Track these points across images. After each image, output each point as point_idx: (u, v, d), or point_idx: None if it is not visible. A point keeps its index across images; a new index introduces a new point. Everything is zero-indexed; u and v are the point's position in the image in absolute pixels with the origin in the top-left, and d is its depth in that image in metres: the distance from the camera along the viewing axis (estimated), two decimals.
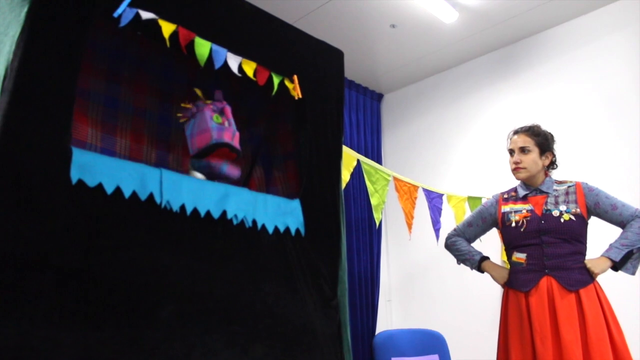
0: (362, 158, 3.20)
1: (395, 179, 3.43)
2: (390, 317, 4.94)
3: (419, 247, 4.67)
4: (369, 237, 4.60)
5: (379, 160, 5.02)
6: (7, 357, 1.19)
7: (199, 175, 1.74)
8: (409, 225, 3.48)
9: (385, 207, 4.68)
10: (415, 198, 3.54)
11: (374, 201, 3.24)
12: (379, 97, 5.33)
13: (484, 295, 4.07)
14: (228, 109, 1.82)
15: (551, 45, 4.21)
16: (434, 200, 3.74)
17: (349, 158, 3.04)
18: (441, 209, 3.76)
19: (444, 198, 3.87)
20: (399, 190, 3.45)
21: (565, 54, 4.12)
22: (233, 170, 1.80)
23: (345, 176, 2.98)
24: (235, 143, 1.80)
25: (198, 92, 1.84)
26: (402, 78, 5.06)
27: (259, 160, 2.33)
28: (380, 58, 4.69)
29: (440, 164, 4.82)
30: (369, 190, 3.23)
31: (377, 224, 3.37)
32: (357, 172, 3.42)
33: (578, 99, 3.98)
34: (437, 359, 3.34)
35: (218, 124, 1.76)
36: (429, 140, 4.95)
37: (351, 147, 4.62)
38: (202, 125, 1.76)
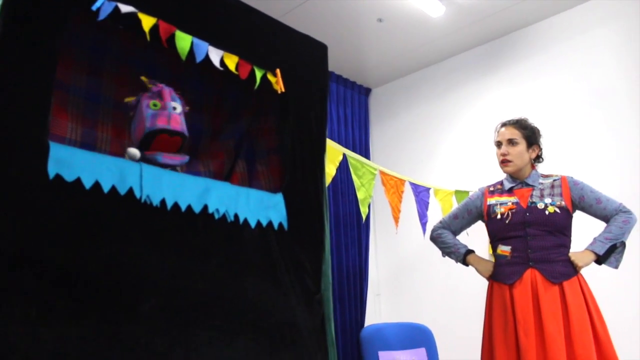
0: (348, 152, 3.20)
1: (381, 172, 3.44)
2: (379, 311, 4.95)
3: (408, 241, 4.68)
4: (357, 231, 4.60)
5: (367, 154, 5.01)
6: None
7: (134, 152, 1.67)
8: (396, 219, 3.49)
9: (374, 202, 4.70)
10: (402, 192, 3.55)
11: (360, 195, 3.24)
12: (367, 91, 5.32)
13: (473, 289, 4.08)
14: (166, 91, 1.75)
15: (538, 39, 4.22)
16: (421, 194, 3.74)
17: (335, 152, 3.03)
18: (428, 203, 3.77)
19: (431, 192, 3.87)
20: (385, 184, 3.46)
21: (553, 47, 4.13)
22: (170, 158, 1.71)
23: (331, 170, 2.98)
24: (174, 125, 1.70)
25: (144, 79, 1.80)
26: (390, 72, 5.06)
27: (242, 154, 2.32)
28: (367, 52, 4.68)
29: (428, 158, 4.82)
30: (355, 184, 3.23)
31: (364, 218, 3.37)
32: (344, 166, 3.42)
33: (565, 92, 3.99)
34: (424, 353, 3.35)
35: (154, 111, 1.70)
36: (418, 134, 4.95)
37: (339, 142, 4.61)
38: (139, 117, 1.72)
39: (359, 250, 4.61)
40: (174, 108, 1.74)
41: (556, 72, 4.07)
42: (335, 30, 4.22)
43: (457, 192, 3.98)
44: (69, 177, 1.37)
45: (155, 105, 1.71)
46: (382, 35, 4.37)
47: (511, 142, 2.57)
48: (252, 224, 1.77)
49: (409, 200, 3.79)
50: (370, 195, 3.30)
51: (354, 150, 4.78)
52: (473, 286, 3.97)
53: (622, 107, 3.69)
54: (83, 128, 1.91)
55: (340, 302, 4.31)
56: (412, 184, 3.72)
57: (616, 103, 3.73)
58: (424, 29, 4.29)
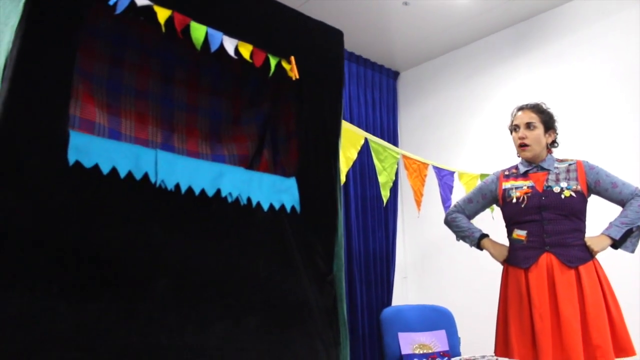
0: (370, 136, 3.24)
1: (404, 156, 3.47)
2: (406, 294, 4.99)
3: (435, 224, 4.66)
4: (384, 214, 4.65)
5: (394, 138, 5.04)
6: (10, 324, 1.29)
7: None
8: (418, 203, 3.52)
9: (401, 185, 4.74)
10: (425, 176, 3.57)
11: (382, 179, 3.28)
12: (395, 74, 5.32)
13: (498, 273, 4.08)
14: None
15: (566, 21, 4.15)
16: (445, 178, 3.76)
17: (356, 137, 3.08)
18: (452, 187, 3.78)
19: (456, 175, 3.88)
20: (408, 168, 3.49)
21: (580, 29, 4.06)
22: None
23: (352, 154, 3.03)
24: None
25: None
26: (418, 55, 5.05)
27: (266, 142, 2.38)
28: (394, 36, 4.68)
29: (456, 141, 4.81)
30: (377, 168, 3.27)
31: (385, 201, 3.41)
32: (370, 150, 3.46)
33: (593, 74, 3.93)
34: (444, 335, 3.39)
35: None
36: (446, 117, 4.94)
37: (366, 126, 4.65)
38: None
39: (386, 234, 4.66)
40: None
41: (583, 55, 4.01)
42: (362, 14, 4.24)
43: (483, 176, 3.97)
44: (88, 163, 1.46)
45: None
46: (408, 19, 4.37)
47: (529, 126, 2.56)
48: (265, 207, 1.83)
49: (435, 184, 3.81)
50: (392, 179, 3.34)
51: (381, 133, 4.81)
52: (500, 269, 3.97)
53: None
54: (108, 115, 2.01)
55: (366, 285, 4.38)
56: (435, 167, 3.74)
57: None
58: (450, 12, 4.27)
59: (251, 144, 2.44)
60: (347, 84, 4.64)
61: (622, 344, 2.28)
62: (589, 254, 2.39)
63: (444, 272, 4.71)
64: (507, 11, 4.28)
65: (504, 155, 4.14)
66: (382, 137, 4.63)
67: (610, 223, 2.46)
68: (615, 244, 2.43)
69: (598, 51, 3.93)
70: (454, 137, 4.82)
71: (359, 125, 4.34)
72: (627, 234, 2.41)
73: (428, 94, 5.11)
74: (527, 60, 4.36)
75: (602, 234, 2.44)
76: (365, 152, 3.54)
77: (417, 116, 5.17)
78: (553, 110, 2.63)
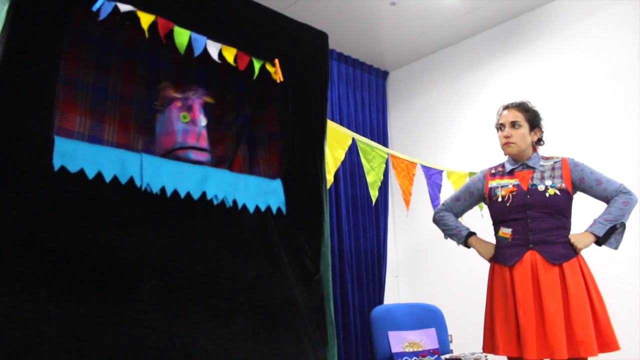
0: (358, 136, 3.26)
1: (391, 156, 3.49)
2: (398, 293, 5.02)
3: (426, 223, 4.70)
4: (375, 213, 4.67)
5: (384, 138, 5.06)
6: None
7: None
8: (407, 202, 3.55)
9: (392, 185, 4.76)
10: (413, 175, 3.60)
11: (370, 179, 3.31)
12: (385, 74, 5.35)
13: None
14: (196, 106, 1.88)
15: (554, 17, 4.18)
16: (433, 177, 3.79)
17: (344, 137, 3.10)
18: (440, 185, 3.81)
19: (444, 174, 3.91)
20: (396, 168, 3.52)
21: (569, 26, 4.09)
22: (200, 155, 1.86)
23: (340, 155, 3.06)
24: (202, 143, 1.87)
25: (167, 86, 1.91)
26: (407, 55, 5.08)
27: (243, 140, 2.40)
28: (382, 36, 4.70)
29: (446, 140, 4.83)
30: (364, 168, 3.30)
31: (374, 201, 3.43)
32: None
33: (582, 71, 3.96)
34: (434, 333, 3.42)
35: (184, 124, 1.83)
36: (436, 116, 4.96)
37: (356, 126, 4.67)
38: (167, 126, 1.84)
39: (377, 233, 4.68)
40: (203, 126, 1.87)
41: (573, 51, 4.04)
42: (350, 14, 4.26)
43: (471, 174, 4.01)
44: (73, 168, 1.48)
45: (184, 117, 1.82)
46: (396, 18, 4.39)
47: (514, 124, 2.59)
48: (251, 209, 1.86)
49: (425, 183, 3.84)
50: (380, 178, 3.37)
51: (371, 133, 4.84)
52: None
53: (638, 84, 3.65)
54: (91, 121, 2.03)
55: (358, 284, 4.41)
56: (423, 166, 3.77)
57: (634, 80, 3.68)
58: (438, 11, 4.30)
59: (231, 144, 2.46)
60: (336, 84, 4.66)
61: (606, 339, 2.30)
62: (572, 251, 2.42)
63: (437, 271, 4.73)
64: (494, 10, 4.31)
65: (493, 154, 4.19)
66: (372, 137, 4.65)
67: (594, 220, 2.48)
68: (599, 241, 2.45)
69: (586, 48, 3.97)
70: (444, 136, 4.84)
71: (348, 126, 4.37)
72: (611, 231, 2.43)
73: (417, 93, 5.14)
74: (515, 58, 4.39)
75: (586, 231, 2.46)
76: (355, 152, 3.57)
77: (406, 115, 5.20)
78: (539, 108, 2.66)
